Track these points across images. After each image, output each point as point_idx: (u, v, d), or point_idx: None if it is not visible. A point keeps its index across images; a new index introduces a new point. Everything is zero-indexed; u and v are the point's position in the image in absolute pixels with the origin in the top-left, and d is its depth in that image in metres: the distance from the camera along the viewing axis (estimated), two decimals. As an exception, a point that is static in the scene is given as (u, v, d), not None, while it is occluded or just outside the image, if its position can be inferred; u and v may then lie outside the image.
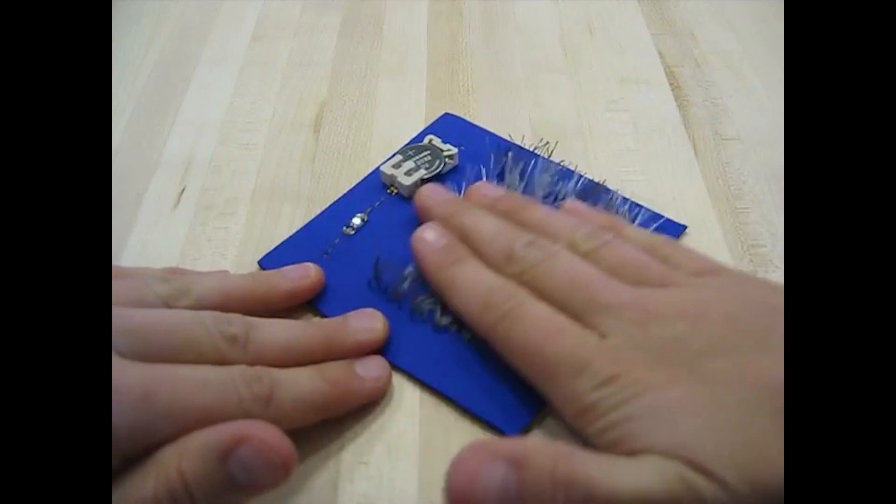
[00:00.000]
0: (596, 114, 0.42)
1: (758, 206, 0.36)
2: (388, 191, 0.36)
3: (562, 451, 0.23)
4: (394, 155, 0.37)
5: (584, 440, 0.25)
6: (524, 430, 0.28)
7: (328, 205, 0.36)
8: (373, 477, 0.27)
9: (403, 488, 0.27)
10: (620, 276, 0.28)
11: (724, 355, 0.24)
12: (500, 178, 0.36)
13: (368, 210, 0.35)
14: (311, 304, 0.31)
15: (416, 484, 0.27)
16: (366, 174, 0.37)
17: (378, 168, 0.37)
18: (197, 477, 0.22)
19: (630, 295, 0.27)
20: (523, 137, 0.39)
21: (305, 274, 0.31)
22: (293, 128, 0.41)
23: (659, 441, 0.23)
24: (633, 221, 0.32)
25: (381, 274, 0.32)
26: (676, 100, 0.42)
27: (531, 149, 0.38)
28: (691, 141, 0.40)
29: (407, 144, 0.38)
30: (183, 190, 0.38)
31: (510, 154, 0.36)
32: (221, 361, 0.25)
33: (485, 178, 0.36)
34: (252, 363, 0.26)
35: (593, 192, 0.35)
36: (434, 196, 0.33)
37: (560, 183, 0.35)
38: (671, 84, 0.44)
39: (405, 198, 0.36)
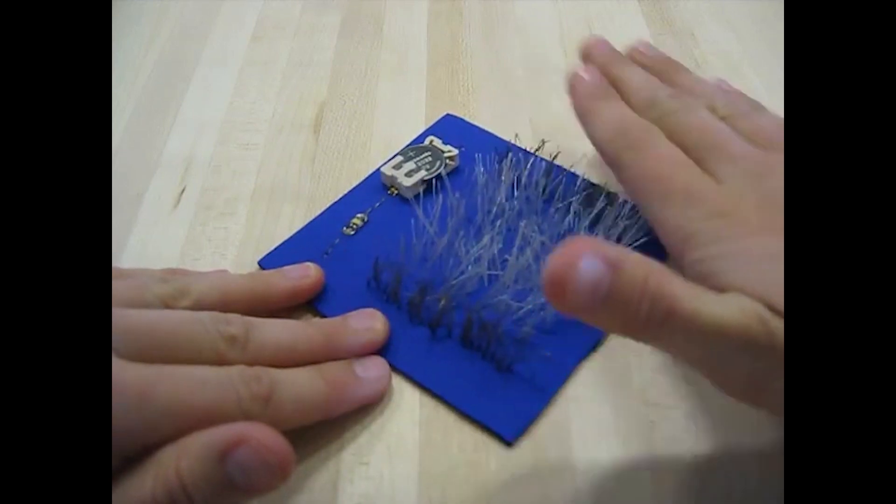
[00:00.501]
0: (596, 114, 0.41)
1: (758, 206, 0.36)
2: (389, 191, 0.36)
3: (656, 267, 0.23)
4: (394, 156, 0.37)
5: (680, 270, 0.26)
6: (522, 434, 0.28)
7: (328, 205, 0.36)
8: (373, 477, 0.27)
9: (403, 489, 0.27)
10: (749, 141, 0.30)
11: None
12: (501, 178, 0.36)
13: (369, 210, 0.35)
14: (311, 304, 0.31)
15: (416, 484, 0.27)
16: (366, 174, 0.37)
17: (378, 169, 0.37)
18: (195, 478, 0.22)
19: (753, 151, 0.29)
20: (517, 136, 0.39)
21: (305, 274, 0.31)
22: (293, 128, 0.41)
23: (746, 283, 0.24)
24: (636, 224, 0.32)
25: (380, 275, 0.32)
26: (676, 100, 0.42)
27: (532, 150, 0.38)
28: (691, 141, 0.40)
29: (408, 145, 0.38)
30: (183, 190, 0.38)
31: (510, 155, 0.36)
32: (221, 362, 0.25)
33: (485, 179, 0.36)
34: (251, 363, 0.26)
35: (594, 194, 0.35)
36: (598, 46, 0.37)
37: (560, 184, 0.35)
38: (671, 84, 0.43)
39: (405, 199, 0.36)
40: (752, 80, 0.44)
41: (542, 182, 0.35)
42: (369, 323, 0.29)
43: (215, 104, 0.43)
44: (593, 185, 0.36)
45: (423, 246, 0.33)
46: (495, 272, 0.31)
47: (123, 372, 0.23)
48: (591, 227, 0.33)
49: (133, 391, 0.23)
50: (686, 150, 0.30)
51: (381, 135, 0.40)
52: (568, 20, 0.49)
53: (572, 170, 0.36)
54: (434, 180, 0.36)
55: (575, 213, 0.34)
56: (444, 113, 0.41)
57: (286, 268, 0.31)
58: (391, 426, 0.28)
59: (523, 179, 0.35)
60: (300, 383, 0.26)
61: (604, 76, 0.35)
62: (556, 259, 0.22)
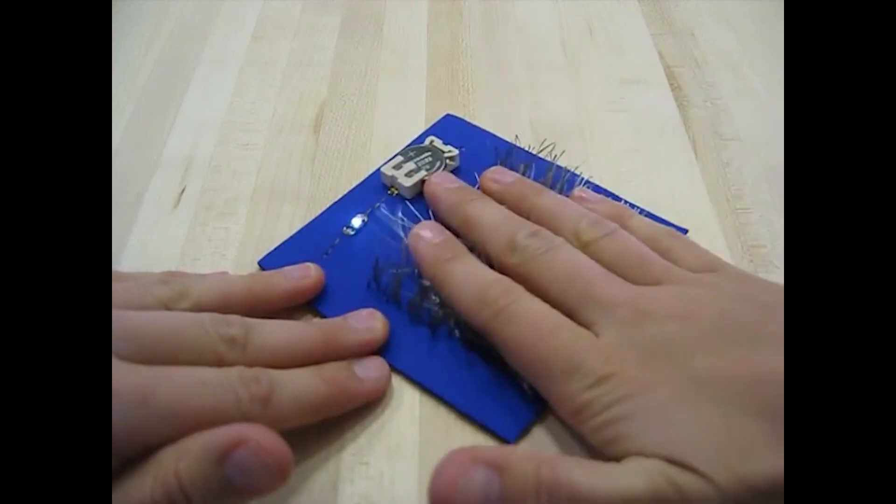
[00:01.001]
0: (596, 114, 0.42)
1: (758, 206, 0.36)
2: (389, 192, 0.36)
3: (545, 457, 0.23)
4: (395, 156, 0.37)
5: (582, 438, 0.25)
6: (522, 434, 0.28)
7: (328, 205, 0.36)
8: (373, 477, 0.27)
9: (403, 488, 0.27)
10: (619, 270, 0.28)
11: (714, 353, 0.24)
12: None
13: (369, 211, 0.35)
14: (311, 304, 0.31)
15: (416, 484, 0.27)
16: (366, 174, 0.37)
17: (379, 169, 0.37)
18: (194, 479, 0.22)
19: (625, 292, 0.27)
20: (516, 137, 0.39)
21: (305, 274, 0.31)
22: (293, 128, 0.41)
23: (646, 445, 0.23)
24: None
25: (380, 275, 0.32)
26: (676, 100, 0.42)
27: (532, 150, 0.38)
28: (691, 141, 0.40)
29: (408, 145, 0.38)
30: (183, 190, 0.38)
31: (511, 156, 0.36)
32: (220, 363, 0.25)
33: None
34: (251, 364, 0.26)
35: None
36: (443, 184, 0.34)
37: (560, 185, 0.35)
38: (671, 84, 0.44)
39: (406, 199, 0.36)
40: (752, 80, 0.44)
41: (543, 182, 0.35)
42: (369, 323, 0.29)
43: (215, 104, 0.43)
44: (594, 185, 0.36)
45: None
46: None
47: (123, 374, 0.23)
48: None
49: (133, 393, 0.23)
50: (555, 302, 0.27)
51: (381, 135, 0.40)
52: (568, 20, 0.49)
53: (573, 170, 0.36)
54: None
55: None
56: (444, 113, 0.41)
57: (286, 268, 0.31)
58: (391, 426, 0.28)
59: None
60: (299, 384, 0.26)
61: (453, 219, 0.32)
62: (439, 479, 0.22)
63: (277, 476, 0.22)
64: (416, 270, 0.31)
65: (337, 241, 0.34)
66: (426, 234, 0.31)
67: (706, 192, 0.37)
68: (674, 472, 0.22)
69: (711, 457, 0.22)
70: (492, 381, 0.29)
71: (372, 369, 0.29)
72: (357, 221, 0.35)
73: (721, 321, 0.25)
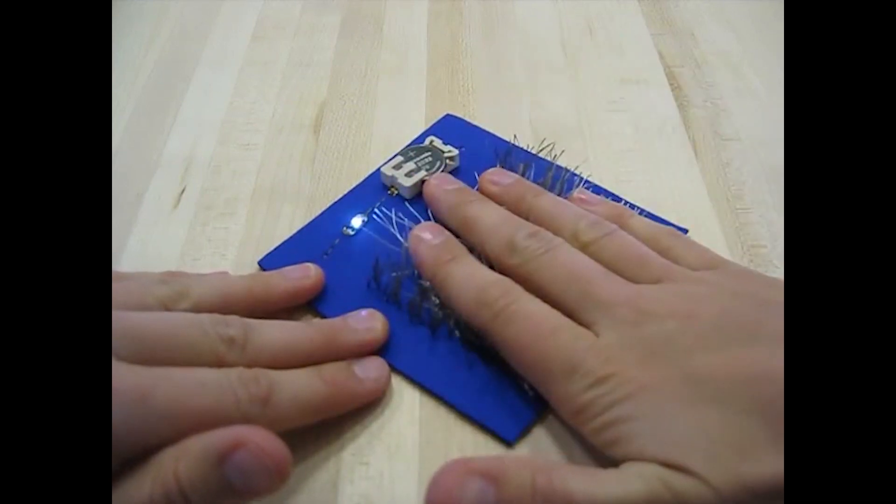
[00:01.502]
0: (596, 114, 0.42)
1: (758, 206, 0.36)
2: (389, 192, 0.36)
3: (540, 465, 0.23)
4: (395, 156, 0.37)
5: (583, 438, 0.25)
6: (522, 434, 0.28)
7: (328, 205, 0.36)
8: (373, 477, 0.27)
9: (403, 488, 0.27)
10: (619, 269, 0.28)
11: (714, 351, 0.24)
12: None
13: (369, 211, 0.35)
14: (311, 304, 0.31)
15: (416, 484, 0.27)
16: (366, 174, 0.37)
17: (379, 169, 0.37)
18: (193, 480, 0.22)
19: (625, 292, 0.27)
20: (515, 137, 0.39)
21: (305, 274, 0.31)
22: (293, 128, 0.41)
23: (645, 448, 0.23)
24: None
25: (380, 276, 0.32)
26: (676, 100, 0.42)
27: (532, 150, 0.38)
28: (691, 141, 0.40)
29: (408, 145, 0.38)
30: (183, 190, 0.38)
31: (510, 156, 0.36)
32: (220, 363, 0.25)
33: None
34: (250, 365, 0.26)
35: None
36: (442, 185, 0.34)
37: (560, 185, 0.35)
38: (671, 84, 0.44)
39: (406, 199, 0.36)
40: (752, 80, 0.44)
41: (543, 182, 0.35)
42: (369, 323, 0.29)
43: (215, 104, 0.43)
44: (594, 185, 0.36)
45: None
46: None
47: (123, 374, 0.23)
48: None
49: (132, 393, 0.23)
50: (555, 302, 0.27)
51: (381, 135, 0.40)
52: (568, 20, 0.48)
53: (572, 170, 0.36)
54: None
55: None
56: (444, 113, 0.41)
57: (286, 269, 0.31)
58: (391, 426, 0.28)
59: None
60: (299, 384, 0.26)
61: (453, 220, 0.32)
62: (435, 491, 0.22)
63: (276, 478, 0.22)
64: (415, 271, 0.31)
65: (337, 241, 0.34)
66: (426, 235, 0.31)
67: (706, 192, 0.37)
68: (671, 476, 0.22)
69: (709, 458, 0.22)
70: (492, 381, 0.29)
71: (372, 369, 0.29)
72: (357, 221, 0.35)
73: (721, 319, 0.25)
